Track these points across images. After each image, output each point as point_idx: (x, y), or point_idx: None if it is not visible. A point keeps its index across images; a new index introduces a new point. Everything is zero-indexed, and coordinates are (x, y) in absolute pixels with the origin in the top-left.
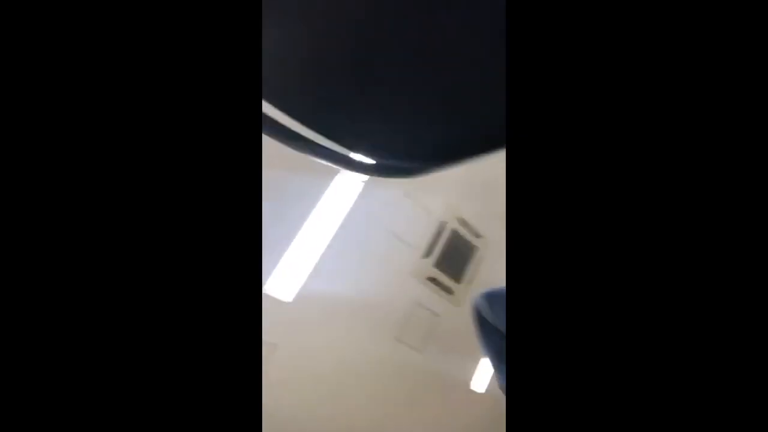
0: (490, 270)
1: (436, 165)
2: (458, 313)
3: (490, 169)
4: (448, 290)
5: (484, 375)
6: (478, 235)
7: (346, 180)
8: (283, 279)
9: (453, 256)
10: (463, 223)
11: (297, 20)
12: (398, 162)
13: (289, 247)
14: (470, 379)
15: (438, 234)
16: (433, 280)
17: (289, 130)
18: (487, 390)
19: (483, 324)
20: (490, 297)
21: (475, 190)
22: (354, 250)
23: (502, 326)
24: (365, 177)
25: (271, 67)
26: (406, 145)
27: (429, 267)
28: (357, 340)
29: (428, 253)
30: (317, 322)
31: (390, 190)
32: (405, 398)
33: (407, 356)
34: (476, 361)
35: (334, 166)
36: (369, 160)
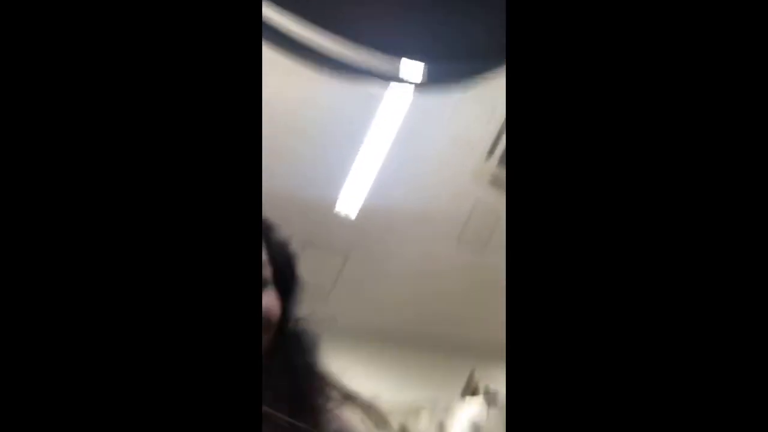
0: None
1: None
2: None
3: None
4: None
5: None
6: None
7: (397, 91)
8: (348, 196)
9: None
10: None
11: None
12: (453, 65)
13: (353, 164)
14: None
15: (498, 135)
16: (494, 180)
17: (331, 58)
18: None
19: None
20: None
21: None
22: (414, 157)
23: None
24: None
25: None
26: (461, 47)
27: (491, 167)
28: (420, 244)
29: (489, 155)
30: (382, 231)
31: (447, 93)
32: (467, 297)
33: (470, 256)
34: None
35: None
36: (419, 69)
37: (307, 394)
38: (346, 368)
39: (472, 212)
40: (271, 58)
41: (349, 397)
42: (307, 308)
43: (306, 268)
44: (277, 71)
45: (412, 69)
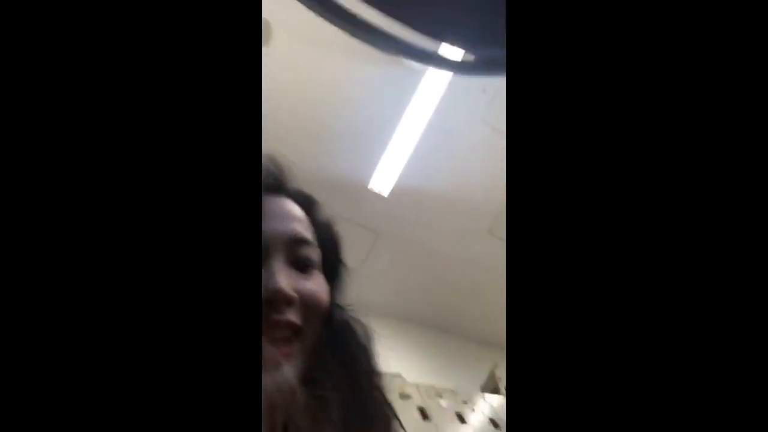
0: None
1: None
2: None
3: None
4: None
5: None
6: None
7: (436, 73)
8: (382, 174)
9: None
10: None
11: None
12: (490, 52)
13: (389, 143)
14: None
15: None
16: None
17: (376, 29)
18: None
19: None
20: None
21: None
22: (448, 142)
23: None
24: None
25: None
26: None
27: None
28: (451, 231)
29: None
30: (414, 213)
31: (483, 79)
32: (494, 291)
33: (499, 250)
34: None
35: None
36: (458, 54)
37: (364, 389)
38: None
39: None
40: (314, 30)
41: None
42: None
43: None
44: (319, 44)
45: (452, 53)
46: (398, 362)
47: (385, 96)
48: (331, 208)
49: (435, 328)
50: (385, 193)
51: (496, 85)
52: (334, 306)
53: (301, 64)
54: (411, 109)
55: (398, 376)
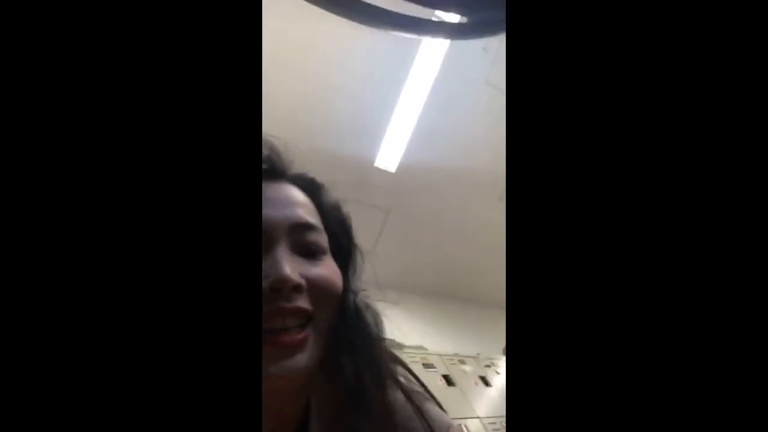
0: None
1: None
2: None
3: None
4: None
5: None
6: None
7: (433, 41)
8: (387, 149)
9: None
10: None
11: None
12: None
13: (392, 118)
14: None
15: None
16: None
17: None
18: None
19: None
20: None
21: None
22: (452, 109)
23: None
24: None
25: None
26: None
27: None
28: (462, 200)
29: None
30: (423, 186)
31: (479, 42)
32: None
33: None
34: None
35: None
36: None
37: (376, 378)
38: (390, 320)
39: None
40: (308, 9)
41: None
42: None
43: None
44: (313, 23)
45: (448, 19)
46: (420, 334)
47: (384, 68)
48: (338, 190)
49: (452, 297)
50: (393, 168)
51: (498, 44)
52: (346, 290)
53: (296, 44)
54: (412, 78)
55: (420, 347)
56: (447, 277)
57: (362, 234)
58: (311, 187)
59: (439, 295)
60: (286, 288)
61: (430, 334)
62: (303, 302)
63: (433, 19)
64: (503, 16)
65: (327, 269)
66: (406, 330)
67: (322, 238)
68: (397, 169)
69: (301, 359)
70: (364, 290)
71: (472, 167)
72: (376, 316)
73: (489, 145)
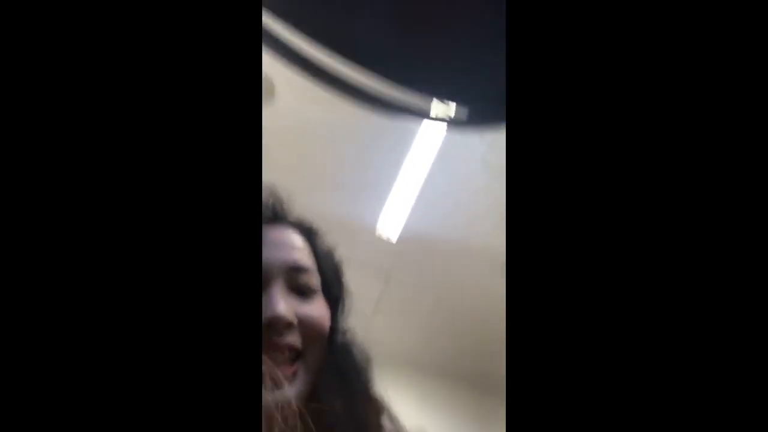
0: None
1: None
2: None
3: None
4: None
5: None
6: None
7: (433, 125)
8: (388, 219)
9: None
10: None
11: None
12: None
13: (392, 188)
14: None
15: None
16: None
17: (364, 92)
18: None
19: None
20: None
21: None
22: (451, 186)
23: None
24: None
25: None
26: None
27: None
28: (464, 273)
29: None
30: (424, 257)
31: (479, 130)
32: None
33: None
34: None
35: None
36: (451, 108)
37: (362, 414)
38: (388, 393)
39: None
40: (314, 91)
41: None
42: (354, 322)
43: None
44: (319, 104)
45: (445, 108)
46: (419, 414)
47: (385, 147)
48: (340, 253)
49: (452, 376)
50: (394, 238)
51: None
52: (334, 330)
53: (303, 115)
54: (413, 151)
55: (422, 430)
56: (445, 353)
57: (361, 300)
58: (308, 233)
59: (438, 371)
60: (279, 325)
61: (429, 412)
62: (293, 339)
63: (431, 108)
64: (503, 110)
65: (317, 309)
66: (400, 403)
67: (315, 280)
68: (398, 239)
69: (291, 392)
70: (351, 329)
71: (473, 240)
72: (364, 354)
73: (488, 221)
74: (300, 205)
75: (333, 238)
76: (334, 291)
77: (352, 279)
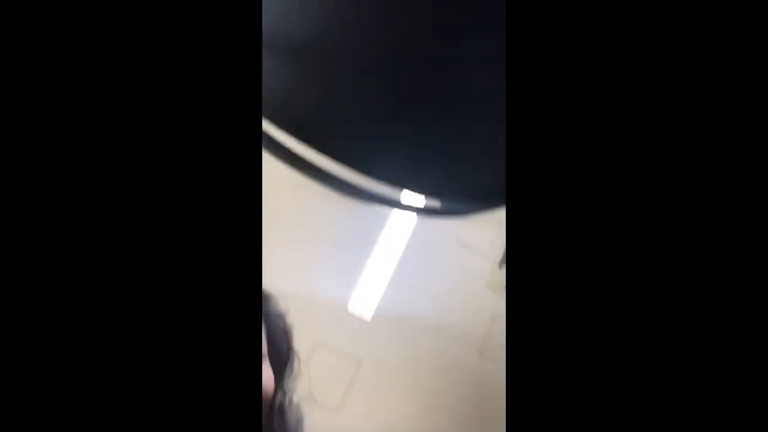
0: None
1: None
2: None
3: None
4: None
5: None
6: None
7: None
8: (363, 297)
9: None
10: None
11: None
12: (452, 203)
13: (365, 266)
14: None
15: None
16: None
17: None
18: None
19: None
20: None
21: None
22: (425, 265)
23: None
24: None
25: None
26: (459, 186)
27: (504, 276)
28: (440, 354)
29: (502, 264)
30: (398, 337)
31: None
32: (492, 411)
33: (492, 370)
34: None
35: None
36: (420, 201)
37: None
38: None
39: (491, 325)
40: (294, 178)
41: None
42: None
43: (319, 373)
44: (295, 189)
45: (416, 199)
46: None
47: (357, 231)
48: (311, 336)
49: None
50: (368, 317)
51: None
52: (279, 391)
53: (281, 205)
54: (383, 239)
55: None
56: None
57: (333, 383)
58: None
59: None
60: None
61: None
62: None
63: (402, 199)
64: (470, 206)
65: (263, 374)
66: None
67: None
68: (372, 318)
69: None
70: (288, 390)
71: (448, 321)
72: (299, 418)
73: (463, 300)
74: (269, 282)
75: (305, 318)
76: (282, 355)
77: (324, 359)
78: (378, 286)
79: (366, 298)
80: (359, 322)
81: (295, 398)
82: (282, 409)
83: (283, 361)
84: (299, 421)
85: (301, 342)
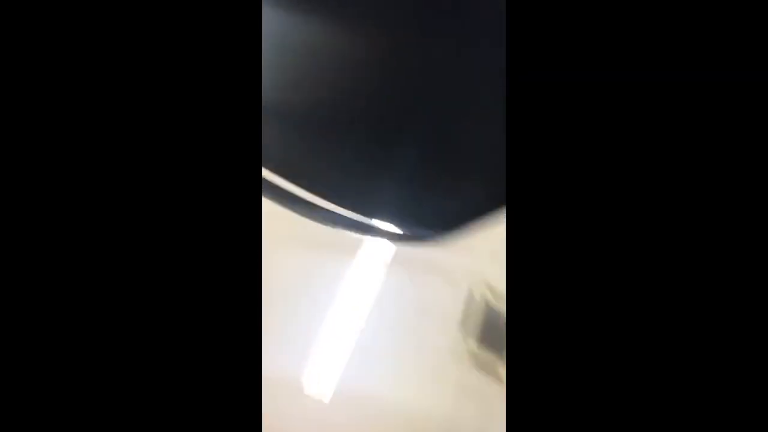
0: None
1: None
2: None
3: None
4: (493, 369)
5: None
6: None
7: (366, 260)
8: (319, 377)
9: (488, 327)
10: (491, 289)
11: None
12: (421, 230)
13: (319, 342)
14: None
15: (472, 311)
16: (478, 364)
17: (308, 202)
18: None
19: None
20: None
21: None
22: (386, 337)
23: None
24: (385, 255)
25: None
26: (424, 214)
27: (471, 348)
28: None
29: (465, 330)
30: (361, 418)
31: (413, 265)
32: None
33: None
34: None
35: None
36: (390, 229)
37: None
38: None
39: (457, 402)
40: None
41: None
42: None
43: None
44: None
45: (380, 246)
46: None
47: (314, 287)
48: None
49: None
50: (326, 399)
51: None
52: None
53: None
54: (342, 302)
55: None
56: None
57: None
58: None
59: None
60: None
61: None
62: None
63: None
64: (438, 240)
65: None
66: None
67: None
68: (330, 399)
69: None
70: None
71: (413, 399)
72: None
73: (430, 375)
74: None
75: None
76: None
77: None
78: (337, 368)
79: (325, 378)
80: (319, 404)
81: None
82: None
83: None
84: None
85: None
